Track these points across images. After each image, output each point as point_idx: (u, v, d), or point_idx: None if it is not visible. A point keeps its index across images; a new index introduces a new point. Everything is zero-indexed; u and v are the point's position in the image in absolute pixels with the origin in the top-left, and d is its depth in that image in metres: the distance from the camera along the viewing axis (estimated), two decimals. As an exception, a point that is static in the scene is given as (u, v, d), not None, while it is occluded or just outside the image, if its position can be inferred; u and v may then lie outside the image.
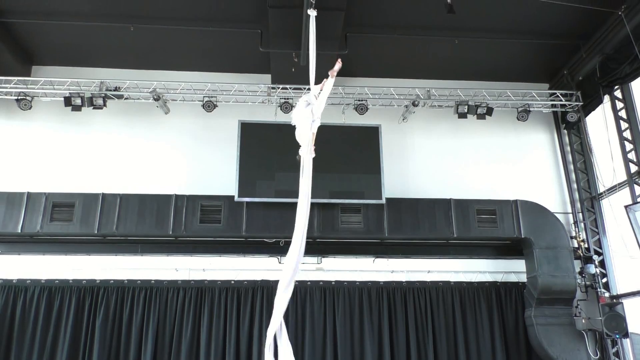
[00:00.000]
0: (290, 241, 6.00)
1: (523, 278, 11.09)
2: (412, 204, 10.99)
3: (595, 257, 11.25)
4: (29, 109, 11.23)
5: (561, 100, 11.86)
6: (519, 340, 10.72)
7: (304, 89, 10.85)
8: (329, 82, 6.69)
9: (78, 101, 11.01)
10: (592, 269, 11.07)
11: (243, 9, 10.58)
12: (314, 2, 7.45)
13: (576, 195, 11.99)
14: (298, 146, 6.62)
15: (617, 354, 10.57)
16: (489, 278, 11.26)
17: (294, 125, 6.68)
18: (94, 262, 10.78)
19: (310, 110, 6.53)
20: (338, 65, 6.82)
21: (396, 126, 11.99)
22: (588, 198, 11.88)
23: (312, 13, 7.25)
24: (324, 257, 10.90)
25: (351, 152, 10.89)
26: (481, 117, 11.63)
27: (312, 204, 10.25)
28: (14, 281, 10.45)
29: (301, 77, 10.04)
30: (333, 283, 10.89)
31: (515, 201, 11.08)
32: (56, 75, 11.49)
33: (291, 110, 11.22)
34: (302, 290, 10.77)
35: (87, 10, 10.56)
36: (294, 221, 10.43)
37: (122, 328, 10.26)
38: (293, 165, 10.15)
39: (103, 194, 10.57)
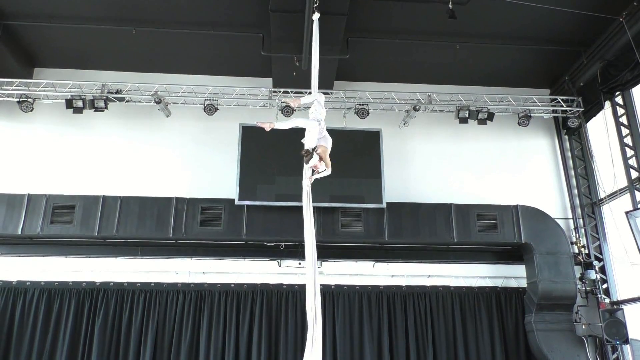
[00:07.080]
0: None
1: (523, 283, 11.09)
2: (412, 209, 10.99)
3: (595, 263, 11.23)
4: (31, 111, 11.22)
5: (562, 106, 11.86)
6: (519, 346, 10.71)
7: (305, 92, 10.86)
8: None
9: (79, 103, 11.04)
10: (593, 274, 11.05)
11: (245, 13, 10.61)
12: (316, 5, 7.48)
13: (577, 201, 11.98)
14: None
15: (617, 360, 10.55)
16: (489, 283, 11.25)
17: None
18: (94, 264, 10.77)
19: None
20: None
21: (397, 131, 12.00)
22: (589, 204, 11.88)
23: (316, 17, 7.25)
24: (324, 261, 10.85)
25: (352, 156, 10.86)
26: (482, 122, 11.65)
27: (313, 208, 10.43)
28: (13, 283, 10.45)
29: (302, 81, 10.12)
30: (333, 287, 10.87)
31: (516, 206, 11.08)
32: (58, 78, 11.50)
33: (292, 114, 11.24)
34: (302, 294, 10.71)
35: (89, 13, 10.60)
36: (294, 225, 10.56)
37: (122, 331, 10.25)
38: (293, 169, 10.21)
39: (103, 196, 10.58)
